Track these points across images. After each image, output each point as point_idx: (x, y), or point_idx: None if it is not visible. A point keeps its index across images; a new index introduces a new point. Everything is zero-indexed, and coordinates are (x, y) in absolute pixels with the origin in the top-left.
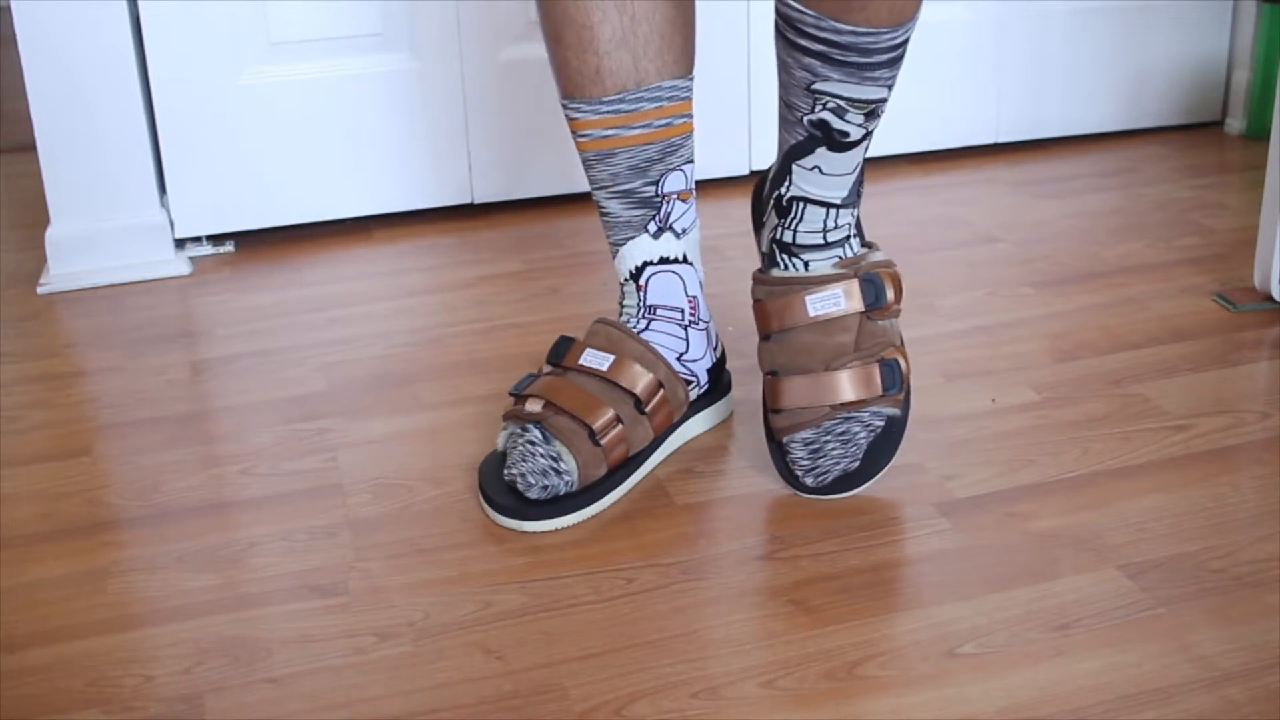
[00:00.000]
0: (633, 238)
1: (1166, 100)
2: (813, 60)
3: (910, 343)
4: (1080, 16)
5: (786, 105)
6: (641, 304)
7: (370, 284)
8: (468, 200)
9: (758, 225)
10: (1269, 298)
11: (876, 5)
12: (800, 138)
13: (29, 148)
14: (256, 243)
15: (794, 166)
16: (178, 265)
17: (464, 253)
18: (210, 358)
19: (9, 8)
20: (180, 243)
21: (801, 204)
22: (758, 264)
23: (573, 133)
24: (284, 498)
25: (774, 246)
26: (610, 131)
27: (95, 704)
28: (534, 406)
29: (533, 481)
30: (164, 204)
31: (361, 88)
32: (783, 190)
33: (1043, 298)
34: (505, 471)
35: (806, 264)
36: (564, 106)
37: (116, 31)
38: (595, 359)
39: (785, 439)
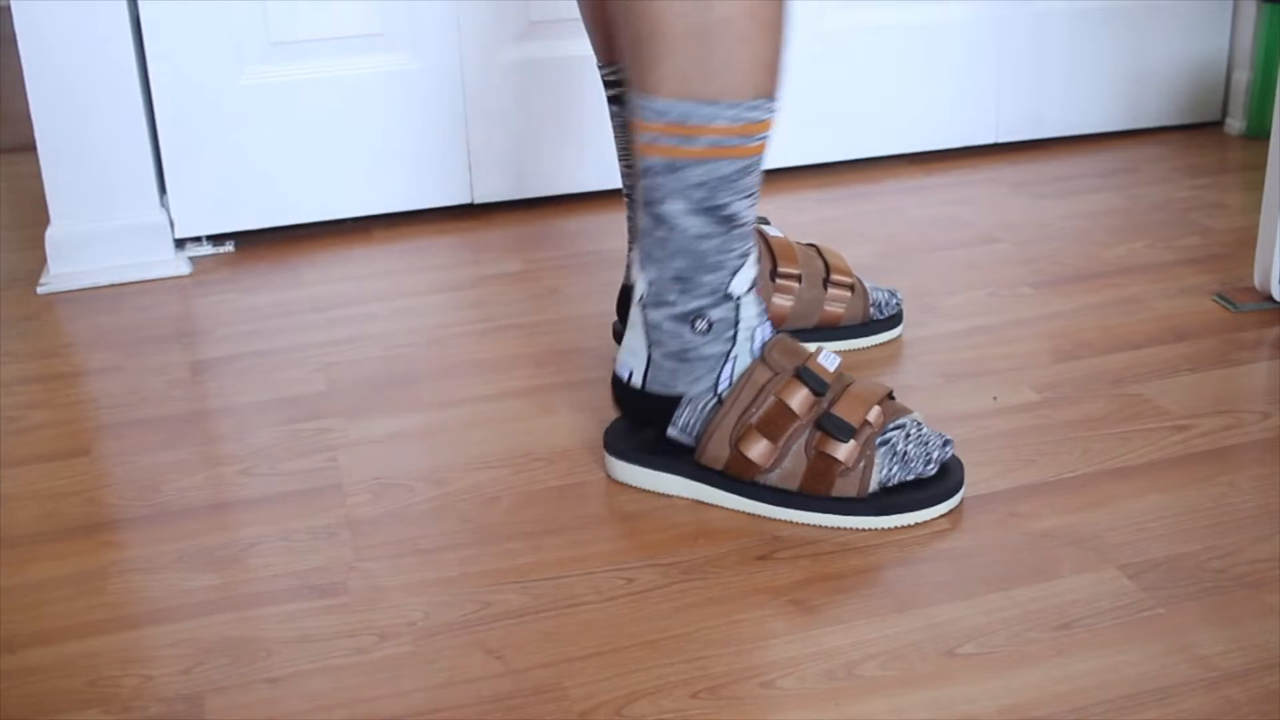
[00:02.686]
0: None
1: (1166, 100)
2: None
3: (910, 343)
4: (1080, 16)
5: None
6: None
7: (370, 284)
8: (468, 200)
9: None
10: (1269, 298)
11: None
12: None
13: (29, 148)
14: (256, 243)
15: None
16: (178, 265)
17: (464, 253)
18: (210, 358)
19: (9, 8)
20: (180, 243)
21: None
22: None
23: (752, 137)
24: (284, 498)
25: None
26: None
27: (95, 704)
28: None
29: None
30: (164, 204)
31: (361, 88)
32: None
33: (1043, 298)
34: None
35: None
36: (759, 109)
37: (116, 31)
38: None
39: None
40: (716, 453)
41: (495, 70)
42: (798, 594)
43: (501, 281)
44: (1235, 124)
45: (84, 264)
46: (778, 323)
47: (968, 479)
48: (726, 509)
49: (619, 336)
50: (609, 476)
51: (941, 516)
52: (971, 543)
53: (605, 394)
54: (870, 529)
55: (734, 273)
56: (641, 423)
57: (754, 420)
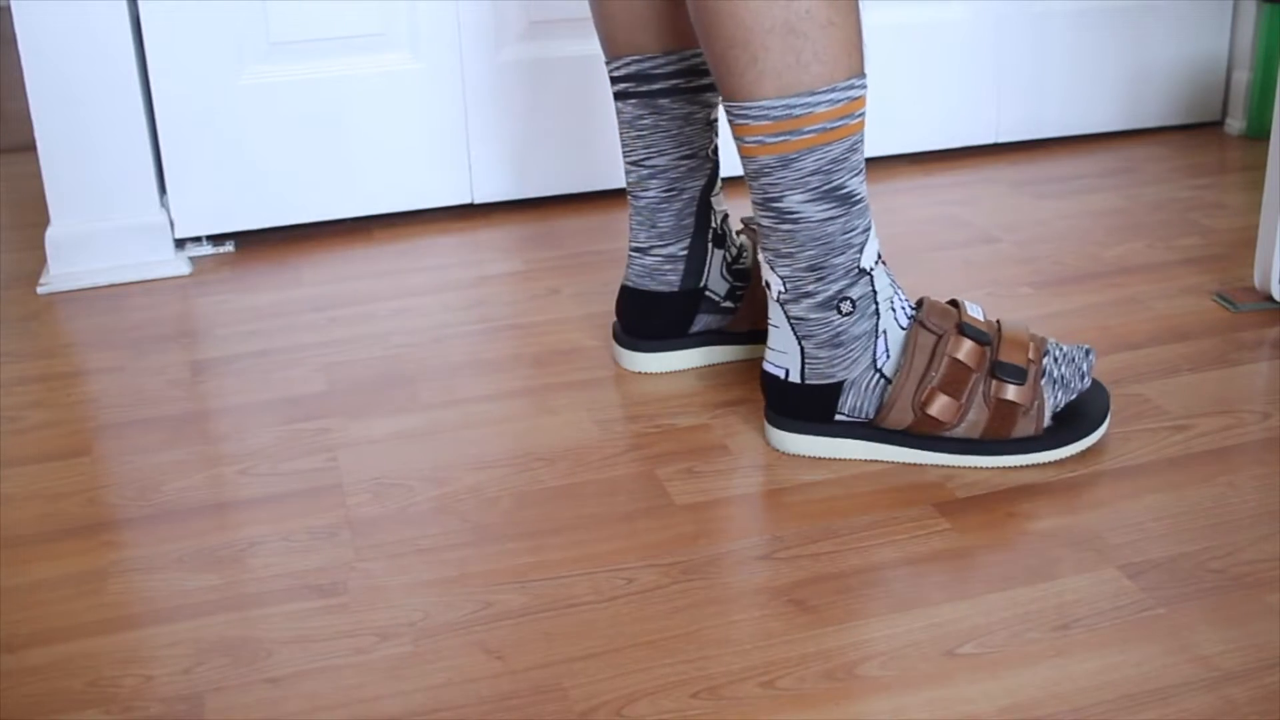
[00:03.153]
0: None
1: (1166, 100)
2: (710, 93)
3: None
4: (1080, 16)
5: (688, 158)
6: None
7: (370, 284)
8: (468, 200)
9: None
10: (1269, 298)
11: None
12: (706, 175)
13: (29, 148)
14: (256, 243)
15: (710, 202)
16: (178, 265)
17: (464, 253)
18: (210, 358)
19: (9, 8)
20: (180, 243)
21: None
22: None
23: (853, 115)
24: (284, 498)
25: None
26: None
27: (95, 704)
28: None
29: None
30: (164, 204)
31: (361, 88)
32: (718, 229)
33: (1043, 298)
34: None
35: None
36: (854, 87)
37: (116, 32)
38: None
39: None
40: (899, 419)
41: (495, 70)
42: (798, 594)
43: (501, 281)
44: (1235, 124)
45: (84, 264)
46: None
47: (969, 478)
48: (725, 508)
49: (619, 337)
50: (775, 448)
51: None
52: (971, 543)
53: (605, 394)
54: (1052, 461)
55: (861, 248)
56: (808, 414)
57: (935, 382)
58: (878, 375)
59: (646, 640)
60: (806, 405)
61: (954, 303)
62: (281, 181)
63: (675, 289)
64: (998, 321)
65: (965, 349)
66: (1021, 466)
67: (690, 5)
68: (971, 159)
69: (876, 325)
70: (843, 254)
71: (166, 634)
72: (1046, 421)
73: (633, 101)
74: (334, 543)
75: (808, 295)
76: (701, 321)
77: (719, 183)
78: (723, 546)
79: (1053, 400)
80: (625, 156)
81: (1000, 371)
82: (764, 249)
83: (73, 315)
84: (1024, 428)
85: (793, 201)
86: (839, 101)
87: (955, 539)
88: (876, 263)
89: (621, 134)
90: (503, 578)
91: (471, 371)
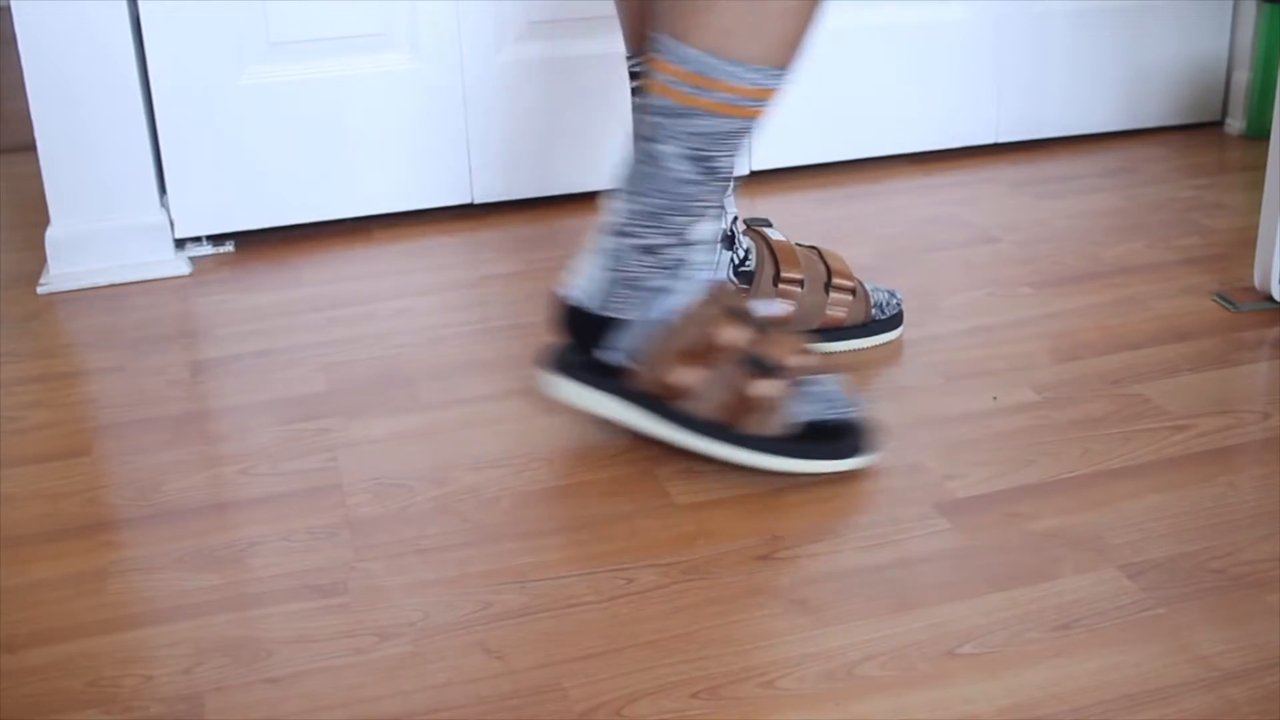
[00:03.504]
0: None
1: (1166, 100)
2: None
3: (910, 343)
4: (1080, 16)
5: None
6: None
7: (370, 284)
8: (468, 200)
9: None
10: (1269, 298)
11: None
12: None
13: (29, 148)
14: (256, 243)
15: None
16: (178, 265)
17: (464, 253)
18: (210, 358)
19: (9, 8)
20: (180, 243)
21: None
22: None
23: (762, 101)
24: (284, 498)
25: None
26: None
27: (95, 704)
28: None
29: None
30: (164, 204)
31: (361, 88)
32: (728, 230)
33: (1043, 298)
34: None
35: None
36: (776, 77)
37: (116, 32)
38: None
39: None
40: (648, 377)
41: (495, 70)
42: (798, 594)
43: (501, 281)
44: (1235, 124)
45: (84, 264)
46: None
47: (969, 478)
48: (725, 508)
49: None
50: (544, 393)
51: (849, 470)
52: (971, 543)
53: None
54: (783, 470)
55: (699, 220)
56: (583, 341)
57: (689, 349)
58: (657, 327)
59: (646, 640)
60: (584, 329)
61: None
62: (281, 181)
63: None
64: (785, 327)
65: (726, 330)
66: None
67: None
68: (971, 159)
69: (678, 287)
70: (683, 216)
71: (166, 634)
72: (789, 423)
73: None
74: (334, 543)
75: (634, 235)
76: None
77: (732, 184)
78: (723, 546)
79: (806, 408)
80: None
81: (753, 361)
82: (621, 179)
83: (73, 315)
84: (763, 423)
85: (667, 150)
86: (756, 84)
87: (955, 539)
88: (708, 240)
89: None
90: (503, 578)
91: (471, 371)
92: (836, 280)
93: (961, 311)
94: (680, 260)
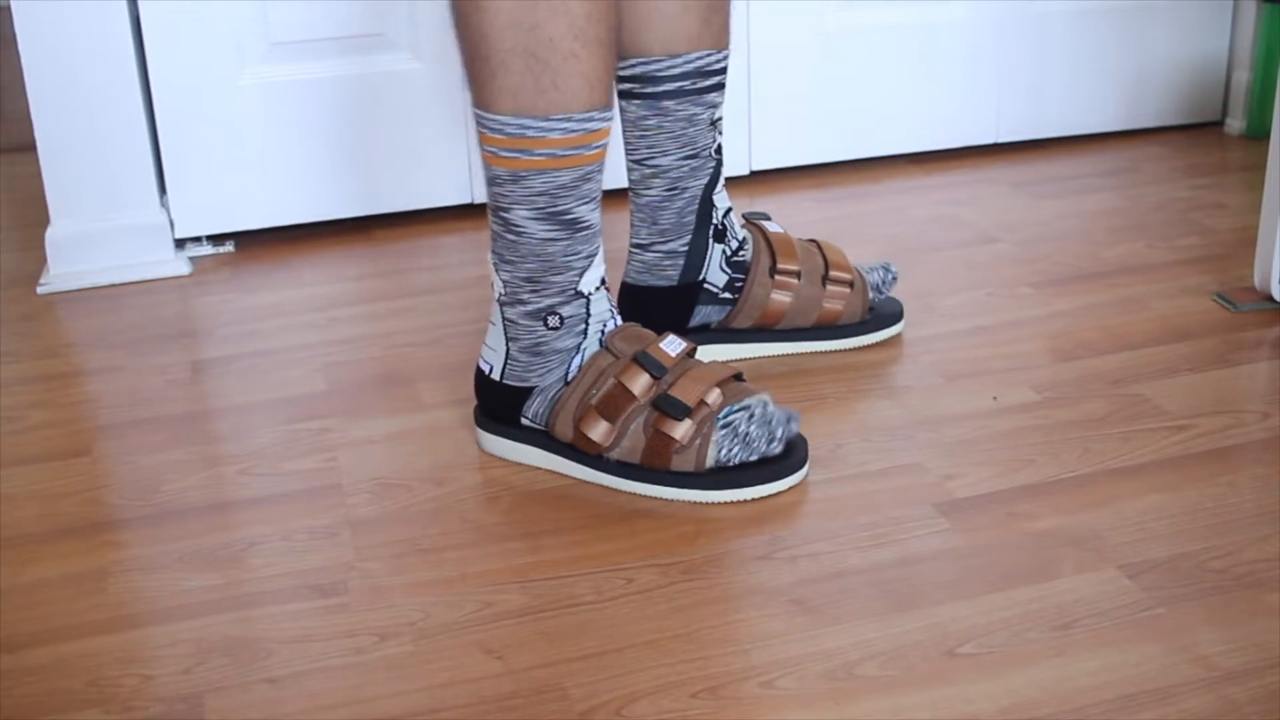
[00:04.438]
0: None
1: (1166, 100)
2: (714, 94)
3: (910, 343)
4: (1080, 16)
5: (691, 159)
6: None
7: (370, 284)
8: (468, 200)
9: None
10: (1269, 298)
11: (725, 24)
12: (709, 173)
13: (29, 148)
14: (256, 243)
15: (713, 199)
16: (178, 265)
17: (464, 253)
18: (210, 358)
19: (9, 8)
20: (180, 243)
21: (729, 221)
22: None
23: (589, 146)
24: (284, 498)
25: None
26: None
27: (95, 704)
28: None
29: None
30: (164, 204)
31: (361, 88)
32: (719, 224)
33: (1043, 298)
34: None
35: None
36: (592, 120)
37: (116, 31)
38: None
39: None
40: (563, 430)
41: None
42: (798, 594)
43: None
44: (1235, 124)
45: (84, 264)
46: (776, 319)
47: (969, 478)
48: (725, 509)
49: None
50: (480, 449)
51: (776, 494)
52: (971, 543)
53: None
54: (704, 502)
55: (581, 273)
56: (498, 413)
57: (594, 401)
58: (564, 387)
59: (646, 640)
60: (498, 403)
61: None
62: (281, 181)
63: (674, 283)
64: (693, 362)
65: (635, 378)
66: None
67: (449, 6)
68: (971, 159)
69: (581, 344)
70: (561, 274)
71: (166, 634)
72: (709, 464)
73: (637, 102)
74: (334, 543)
75: (521, 302)
76: (701, 314)
77: (722, 179)
78: (723, 546)
79: (724, 450)
80: (628, 155)
81: (662, 403)
82: (492, 250)
83: (73, 315)
84: (681, 463)
85: (518, 216)
86: (573, 131)
87: (955, 539)
88: (597, 288)
89: (625, 133)
90: (503, 578)
91: (471, 371)
92: (834, 273)
93: (961, 311)
94: (576, 315)
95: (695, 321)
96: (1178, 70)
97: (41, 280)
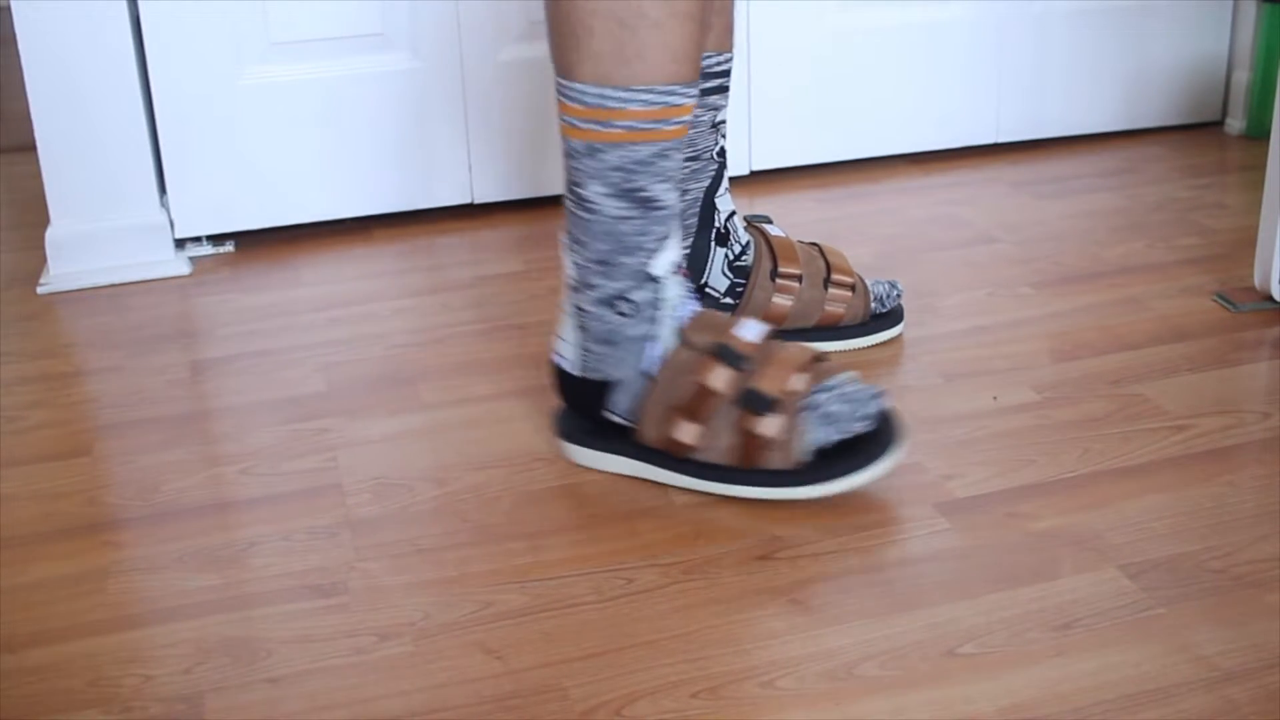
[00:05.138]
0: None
1: (1166, 100)
2: (716, 96)
3: (910, 343)
4: (1080, 16)
5: (692, 160)
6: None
7: (370, 284)
8: (468, 200)
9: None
10: (1269, 298)
11: (728, 26)
12: (710, 176)
13: (29, 148)
14: (256, 243)
15: (715, 202)
16: (178, 265)
17: (464, 253)
18: (210, 358)
19: (9, 8)
20: (180, 243)
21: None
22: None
23: (668, 121)
24: (284, 498)
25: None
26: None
27: (95, 704)
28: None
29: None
30: (164, 204)
31: (361, 88)
32: (721, 228)
33: (1043, 298)
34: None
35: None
36: (674, 94)
37: (116, 31)
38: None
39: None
40: (650, 435)
41: (495, 70)
42: (798, 594)
43: (501, 281)
44: (1235, 124)
45: (84, 264)
46: (778, 322)
47: (969, 478)
48: (725, 508)
49: None
50: (565, 460)
51: (876, 479)
52: (971, 543)
53: None
54: (808, 498)
55: (652, 254)
56: (580, 408)
57: (677, 404)
58: (644, 379)
59: (646, 640)
60: (579, 396)
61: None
62: (281, 181)
63: None
64: (775, 345)
65: (716, 373)
66: (778, 501)
67: None
68: (971, 159)
69: (653, 332)
70: (632, 255)
71: (166, 634)
72: (803, 455)
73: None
74: (334, 543)
75: (591, 287)
76: None
77: (725, 182)
78: (723, 546)
79: (816, 434)
80: None
81: (749, 401)
82: (566, 231)
83: (73, 315)
84: (774, 459)
85: (592, 191)
86: (654, 104)
87: (955, 539)
88: (671, 273)
89: None
90: (503, 578)
91: (471, 371)
92: (836, 276)
93: (961, 311)
94: (651, 300)
95: None
96: (1177, 70)
97: (41, 280)
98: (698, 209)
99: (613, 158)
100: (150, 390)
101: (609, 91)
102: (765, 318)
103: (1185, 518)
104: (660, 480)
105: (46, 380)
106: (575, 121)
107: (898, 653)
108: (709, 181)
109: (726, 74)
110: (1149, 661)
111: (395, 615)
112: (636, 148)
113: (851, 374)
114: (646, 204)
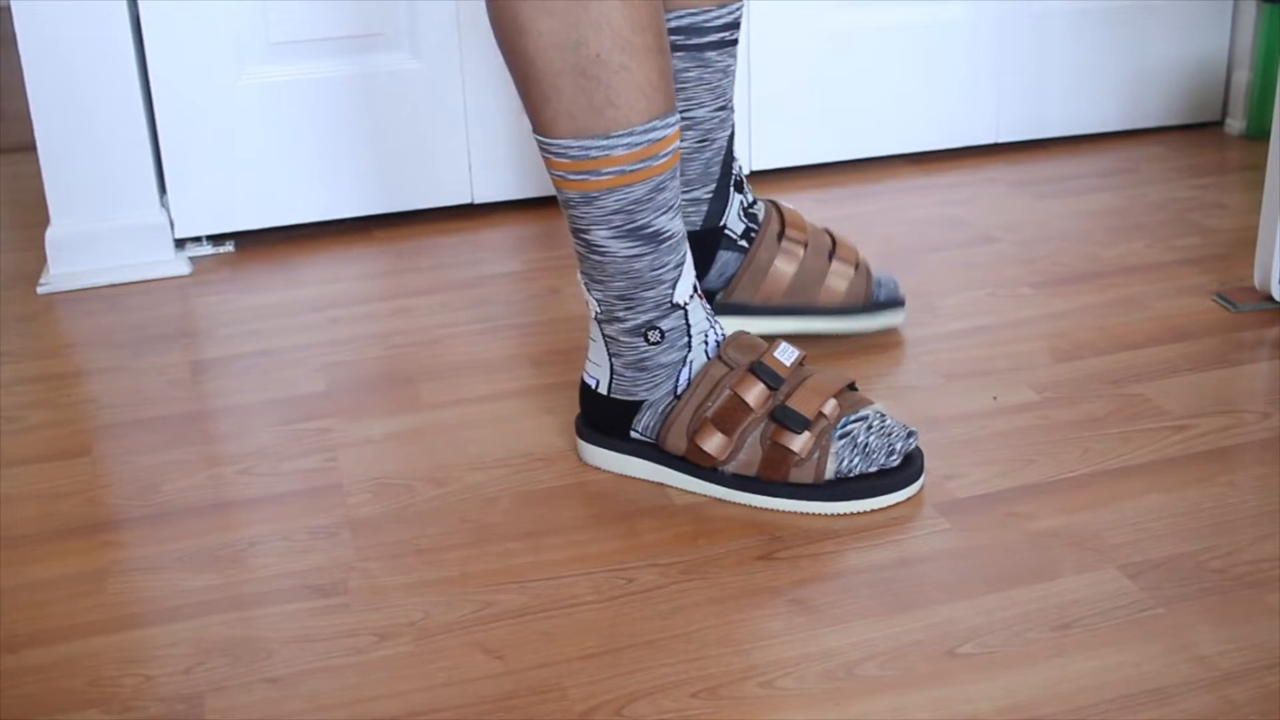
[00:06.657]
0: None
1: (1166, 100)
2: (737, 46)
3: (910, 343)
4: (1080, 16)
5: (721, 110)
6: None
7: (370, 284)
8: (468, 200)
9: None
10: (1269, 298)
11: None
12: (732, 125)
13: (29, 148)
14: (256, 243)
15: (733, 150)
16: (178, 265)
17: (464, 253)
18: (210, 358)
19: (9, 8)
20: (180, 243)
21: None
22: None
23: (656, 156)
24: (284, 498)
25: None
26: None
27: (95, 704)
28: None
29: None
30: (164, 204)
31: (361, 88)
32: (737, 175)
33: (1043, 298)
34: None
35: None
36: (655, 129)
37: (116, 31)
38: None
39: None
40: (675, 443)
41: (495, 70)
42: (798, 594)
43: (501, 281)
44: (1235, 124)
45: (84, 264)
46: (778, 286)
47: (969, 478)
48: (728, 507)
49: None
50: (580, 460)
51: (897, 505)
52: (971, 543)
53: None
54: (825, 514)
55: (673, 284)
56: (607, 427)
57: (709, 414)
58: (674, 400)
59: (646, 640)
60: (608, 417)
61: (769, 338)
62: (282, 181)
63: (696, 228)
64: (809, 370)
65: (751, 388)
66: (802, 514)
67: (494, 36)
68: (971, 159)
69: (686, 356)
70: (652, 289)
71: (166, 634)
72: (828, 475)
73: (680, 54)
74: (334, 543)
75: (618, 320)
76: (721, 259)
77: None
78: (723, 546)
79: (844, 461)
80: None
81: (780, 415)
82: (580, 271)
83: (73, 315)
84: (800, 475)
85: (599, 236)
86: (637, 145)
87: (955, 539)
88: (691, 297)
89: None
90: (503, 578)
91: (471, 371)
92: (841, 252)
93: (961, 311)
94: (680, 328)
95: (715, 267)
96: (1177, 70)
97: (41, 280)
98: (722, 157)
99: (610, 202)
100: (150, 390)
101: (589, 143)
102: (767, 279)
103: (1185, 518)
104: (683, 487)
105: (46, 380)
106: (564, 175)
107: (898, 653)
108: (731, 129)
109: (735, 25)
110: (1149, 661)
111: (395, 615)
112: (631, 189)
113: (880, 406)
114: (654, 238)
